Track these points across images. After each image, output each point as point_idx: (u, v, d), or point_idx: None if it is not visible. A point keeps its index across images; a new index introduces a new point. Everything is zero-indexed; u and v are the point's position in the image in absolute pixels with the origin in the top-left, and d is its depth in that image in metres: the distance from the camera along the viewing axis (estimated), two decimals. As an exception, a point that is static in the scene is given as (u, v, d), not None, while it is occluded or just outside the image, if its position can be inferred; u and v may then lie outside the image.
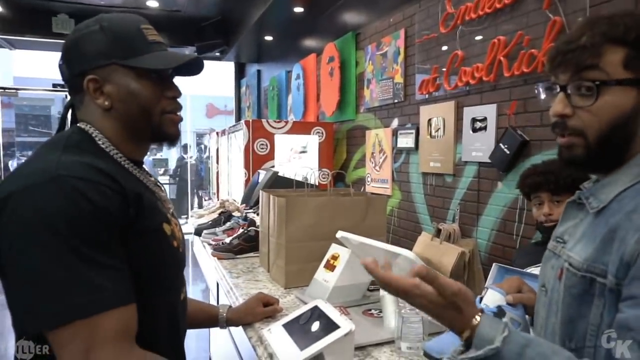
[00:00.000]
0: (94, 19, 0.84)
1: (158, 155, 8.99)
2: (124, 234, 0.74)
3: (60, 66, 0.85)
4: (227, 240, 1.97)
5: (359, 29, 3.74)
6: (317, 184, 2.51)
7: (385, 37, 3.30)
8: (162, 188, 0.96)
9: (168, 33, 6.68)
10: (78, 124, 0.84)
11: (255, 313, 1.18)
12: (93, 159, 0.76)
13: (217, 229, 2.22)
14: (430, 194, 2.87)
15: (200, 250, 2.27)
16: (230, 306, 1.20)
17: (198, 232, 2.30)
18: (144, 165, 0.93)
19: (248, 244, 1.88)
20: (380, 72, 3.36)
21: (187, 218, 7.15)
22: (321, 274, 1.38)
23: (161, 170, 9.32)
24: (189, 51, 7.13)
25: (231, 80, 7.98)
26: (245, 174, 3.83)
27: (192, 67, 0.92)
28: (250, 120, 3.85)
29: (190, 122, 16.33)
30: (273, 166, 3.76)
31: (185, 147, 9.28)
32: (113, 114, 0.83)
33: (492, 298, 0.93)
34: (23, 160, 0.84)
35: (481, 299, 0.95)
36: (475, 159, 2.45)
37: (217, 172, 5.60)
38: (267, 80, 6.12)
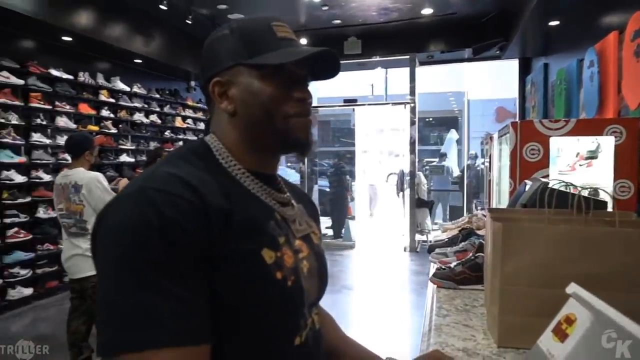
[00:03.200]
0: (227, 24, 0.79)
1: (434, 162, 9.01)
2: (206, 257, 0.61)
3: (199, 75, 0.82)
4: (453, 264, 1.65)
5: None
6: (610, 200, 1.86)
7: None
8: (295, 206, 0.81)
9: (444, 38, 6.58)
10: (206, 136, 0.79)
11: None
12: (191, 171, 0.67)
13: (449, 249, 1.92)
14: None
15: (432, 272, 2.01)
16: None
17: (431, 249, 2.05)
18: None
19: (473, 273, 1.52)
20: None
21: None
22: (547, 340, 0.93)
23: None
24: (467, 54, 6.84)
25: (516, 79, 7.24)
26: (511, 184, 3.28)
27: (329, 69, 0.81)
28: (518, 122, 3.28)
29: (478, 127, 15.84)
30: (546, 176, 3.09)
31: (443, 154, 8.96)
32: (237, 119, 0.76)
33: None
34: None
35: None
36: None
37: (490, 181, 5.11)
38: (555, 74, 5.19)
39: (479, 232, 2.13)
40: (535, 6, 4.02)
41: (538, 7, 4.00)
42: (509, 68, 7.45)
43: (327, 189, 8.52)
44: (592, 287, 0.84)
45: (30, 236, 4.56)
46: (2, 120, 4.29)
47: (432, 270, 1.92)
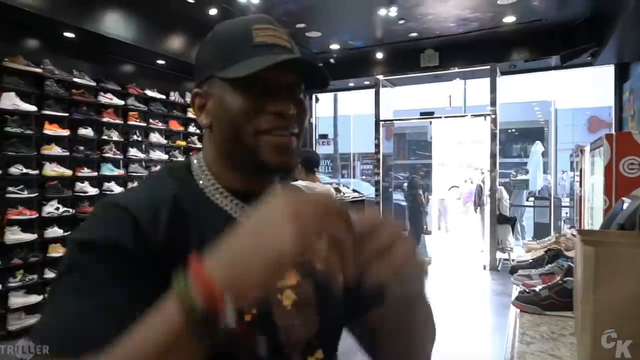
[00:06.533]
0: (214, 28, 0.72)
1: (519, 177, 8.50)
2: (141, 272, 0.57)
3: None
4: (538, 288, 1.56)
5: None
6: None
7: None
8: None
9: (528, 46, 6.26)
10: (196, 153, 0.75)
11: None
12: (148, 193, 0.66)
13: (533, 270, 1.81)
14: None
15: (514, 294, 1.90)
16: None
17: (513, 270, 1.95)
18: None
19: (562, 299, 1.42)
20: None
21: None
22: (649, 378, 0.85)
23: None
24: (554, 62, 6.43)
25: (611, 86, 6.67)
26: (606, 201, 3.02)
27: (318, 78, 0.71)
28: (614, 134, 3.02)
29: (567, 138, 14.77)
30: (648, 193, 2.80)
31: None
32: (213, 135, 0.70)
33: None
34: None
35: None
36: None
37: (580, 197, 4.73)
38: (658, 80, 4.72)
39: (567, 253, 1.99)
40: (634, 7, 3.70)
41: (638, 7, 3.68)
42: (603, 74, 6.88)
43: (403, 203, 8.38)
44: None
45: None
46: (106, 137, 4.77)
47: (515, 293, 1.82)
